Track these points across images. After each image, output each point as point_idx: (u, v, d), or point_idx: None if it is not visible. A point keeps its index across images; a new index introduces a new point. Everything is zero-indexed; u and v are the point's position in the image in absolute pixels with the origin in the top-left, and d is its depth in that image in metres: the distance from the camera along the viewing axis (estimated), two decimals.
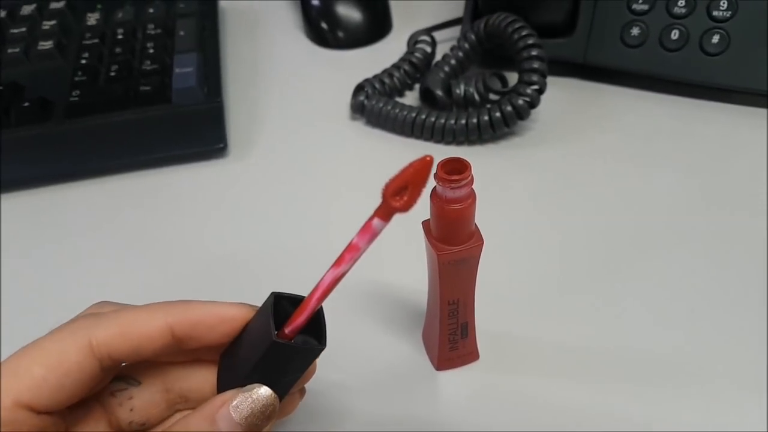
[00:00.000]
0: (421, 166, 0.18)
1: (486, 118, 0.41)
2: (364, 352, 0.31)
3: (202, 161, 0.43)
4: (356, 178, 0.41)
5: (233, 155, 0.44)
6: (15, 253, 0.38)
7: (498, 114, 0.41)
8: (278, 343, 0.21)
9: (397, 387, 0.30)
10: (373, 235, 0.20)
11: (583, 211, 0.38)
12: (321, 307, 0.22)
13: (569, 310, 0.33)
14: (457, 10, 0.50)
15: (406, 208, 0.19)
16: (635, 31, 0.43)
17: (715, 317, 0.32)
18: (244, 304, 0.23)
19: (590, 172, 0.40)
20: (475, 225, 0.25)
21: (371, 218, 0.20)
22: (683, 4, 0.41)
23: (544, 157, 0.41)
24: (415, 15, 0.55)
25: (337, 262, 0.21)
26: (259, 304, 0.23)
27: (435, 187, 0.23)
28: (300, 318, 0.21)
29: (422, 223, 0.25)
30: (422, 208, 0.25)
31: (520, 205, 0.38)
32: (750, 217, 0.36)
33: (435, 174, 0.23)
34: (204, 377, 0.24)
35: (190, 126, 0.43)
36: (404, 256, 0.33)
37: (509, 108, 0.40)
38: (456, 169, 0.23)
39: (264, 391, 0.22)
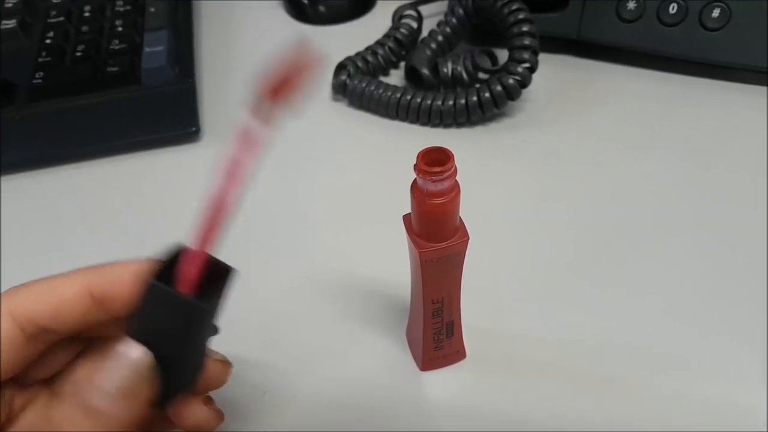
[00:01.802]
0: (300, 55, 0.16)
1: (475, 98, 0.39)
2: (343, 351, 0.30)
3: (174, 146, 0.41)
4: (337, 162, 0.39)
5: (207, 139, 0.41)
6: None
7: (487, 94, 0.38)
8: (152, 285, 0.19)
9: (380, 388, 0.28)
10: (254, 144, 0.17)
11: (577, 197, 0.36)
12: (230, 269, 0.20)
13: (562, 305, 0.31)
14: None
15: (284, 101, 0.16)
16: (631, 4, 0.41)
17: (714, 310, 0.30)
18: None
19: (585, 155, 0.38)
20: (460, 219, 0.23)
21: (246, 123, 0.17)
22: None
23: (536, 139, 0.39)
24: None
25: (218, 186, 0.18)
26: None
27: (415, 179, 0.21)
28: (188, 265, 0.19)
29: (403, 217, 0.23)
30: (404, 200, 0.23)
31: (511, 191, 0.36)
32: (750, 203, 0.34)
33: (415, 165, 0.21)
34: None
35: (160, 109, 0.41)
36: (386, 247, 0.31)
37: (499, 88, 0.38)
38: (437, 159, 0.21)
39: (128, 350, 0.20)
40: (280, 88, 0.16)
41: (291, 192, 0.38)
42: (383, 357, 0.29)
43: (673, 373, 0.28)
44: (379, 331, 0.30)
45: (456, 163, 0.21)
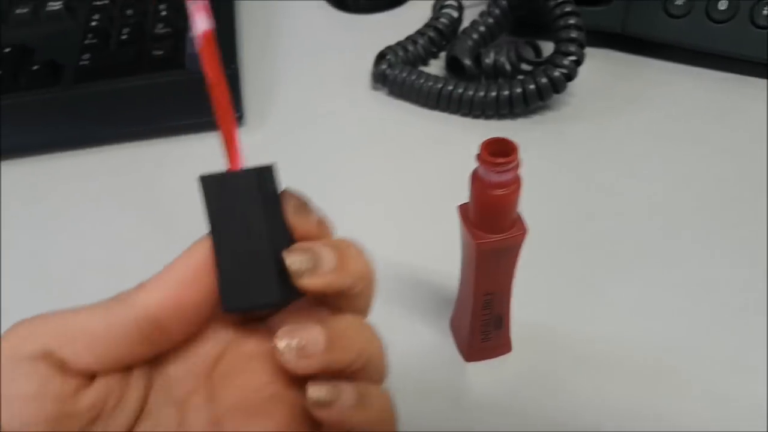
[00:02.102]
0: None
1: (519, 90, 0.38)
2: (386, 338, 0.30)
3: (216, 131, 0.41)
4: (377, 152, 0.39)
5: (249, 125, 0.42)
6: (19, 221, 0.37)
7: (532, 86, 0.38)
8: (205, 180, 0.19)
9: (423, 377, 0.28)
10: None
11: (622, 193, 0.35)
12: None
13: (608, 299, 0.31)
14: None
15: None
16: (680, 0, 0.40)
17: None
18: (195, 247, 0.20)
19: (629, 151, 0.38)
20: (518, 212, 0.23)
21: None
22: None
23: (580, 133, 0.39)
24: None
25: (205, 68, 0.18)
26: None
27: (476, 168, 0.21)
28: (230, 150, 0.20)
29: (459, 206, 0.23)
30: (460, 190, 0.23)
31: (556, 185, 0.36)
32: None
33: (478, 155, 0.21)
34: None
35: (203, 93, 0.41)
36: (425, 235, 0.31)
37: (544, 80, 0.38)
38: (501, 150, 0.21)
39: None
40: None
41: (330, 180, 0.38)
42: (426, 345, 0.29)
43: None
44: (422, 319, 0.30)
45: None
